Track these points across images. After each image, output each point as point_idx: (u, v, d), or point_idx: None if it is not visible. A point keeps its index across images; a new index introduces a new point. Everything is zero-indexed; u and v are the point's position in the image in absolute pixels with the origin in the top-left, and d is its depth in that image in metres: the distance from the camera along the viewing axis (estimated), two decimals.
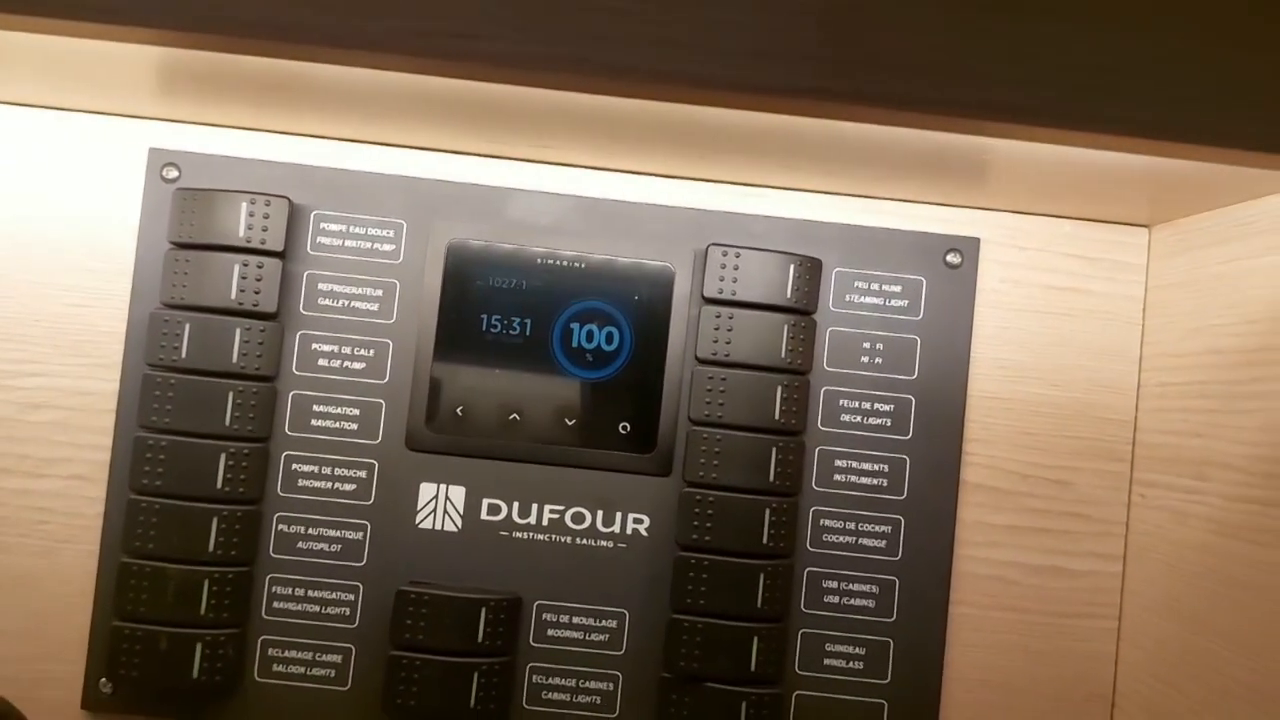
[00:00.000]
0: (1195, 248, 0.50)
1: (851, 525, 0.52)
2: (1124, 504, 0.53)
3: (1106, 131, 0.29)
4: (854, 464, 0.53)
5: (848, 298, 0.53)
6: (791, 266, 0.52)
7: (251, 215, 0.50)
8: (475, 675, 0.49)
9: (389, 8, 0.29)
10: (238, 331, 0.50)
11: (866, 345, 0.53)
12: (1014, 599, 0.53)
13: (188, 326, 0.50)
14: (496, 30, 0.29)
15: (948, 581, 0.53)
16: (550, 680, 0.52)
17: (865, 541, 0.52)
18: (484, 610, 0.50)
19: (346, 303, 0.52)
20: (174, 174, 0.52)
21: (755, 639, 0.50)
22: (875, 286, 0.53)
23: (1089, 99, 0.29)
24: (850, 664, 0.52)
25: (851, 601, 0.52)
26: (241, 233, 0.50)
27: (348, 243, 0.52)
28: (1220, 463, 0.46)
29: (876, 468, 0.53)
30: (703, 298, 0.52)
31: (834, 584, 0.52)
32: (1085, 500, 0.53)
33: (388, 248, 0.52)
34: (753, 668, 0.50)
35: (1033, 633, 0.53)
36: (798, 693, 0.52)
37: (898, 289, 0.53)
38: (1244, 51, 0.30)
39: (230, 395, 0.50)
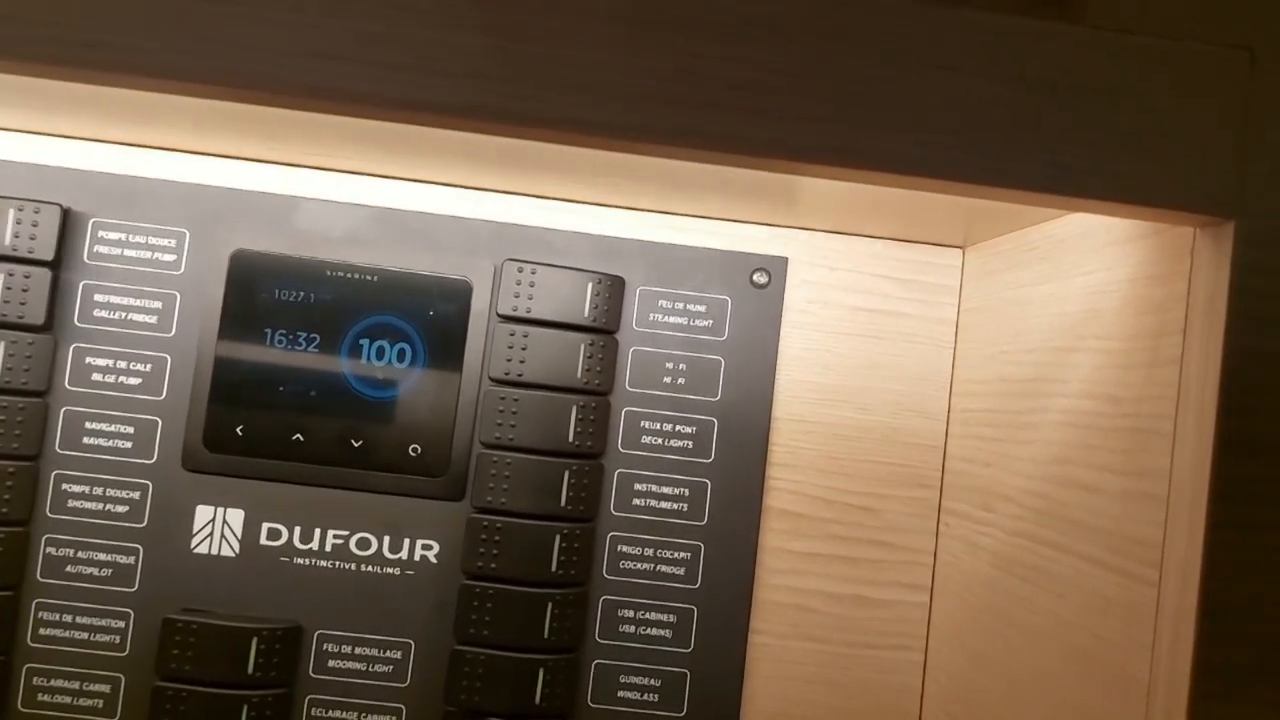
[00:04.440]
0: (994, 271, 0.49)
1: (650, 552, 0.51)
2: (932, 533, 0.52)
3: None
4: (654, 488, 0.51)
5: (651, 317, 0.52)
6: (590, 284, 0.50)
7: (19, 223, 0.48)
8: (245, 708, 0.47)
9: (21, 15, 0.27)
10: (2, 345, 0.48)
11: (669, 365, 0.52)
12: (817, 629, 0.52)
13: None
14: (130, 40, 0.27)
15: (748, 610, 0.51)
16: (330, 713, 0.49)
17: (663, 569, 0.51)
18: (255, 640, 0.48)
19: (124, 315, 0.50)
20: None
21: (541, 670, 0.49)
22: (679, 305, 0.52)
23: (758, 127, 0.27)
24: (645, 696, 0.50)
25: (648, 631, 0.51)
26: (8, 240, 0.48)
27: (127, 252, 0.50)
28: (1003, 494, 0.45)
29: (677, 491, 0.51)
30: (498, 315, 0.50)
31: (630, 613, 0.51)
32: (892, 528, 0.52)
33: (169, 258, 0.50)
34: (538, 700, 0.48)
35: (835, 664, 0.52)
36: None
37: (702, 309, 0.52)
38: (1012, 89, 0.29)
39: None
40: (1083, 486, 0.36)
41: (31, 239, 0.48)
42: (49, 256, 0.48)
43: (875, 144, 0.28)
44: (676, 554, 0.51)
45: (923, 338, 0.53)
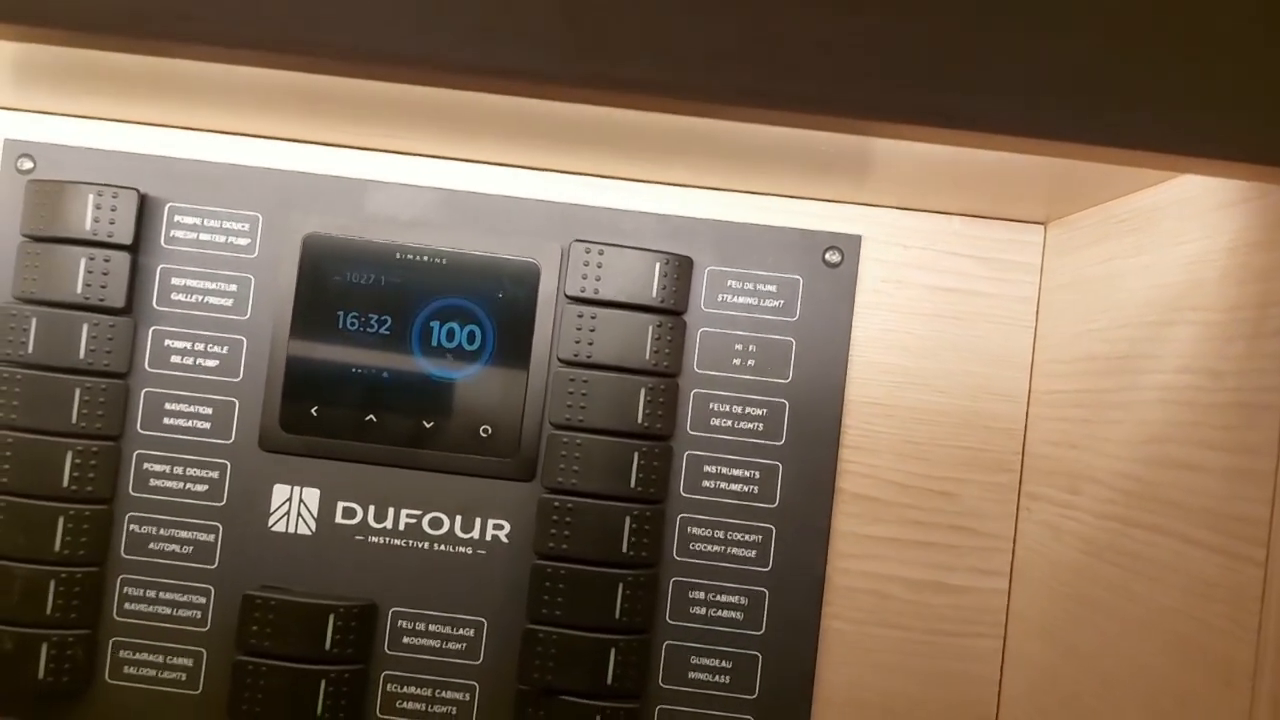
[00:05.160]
0: (1079, 247, 0.47)
1: (720, 534, 0.50)
2: (1012, 518, 0.51)
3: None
4: (724, 470, 0.50)
5: (720, 297, 0.51)
6: (658, 264, 0.50)
7: (98, 208, 0.49)
8: (322, 683, 0.48)
9: None
10: (85, 327, 0.49)
11: (739, 347, 0.51)
12: (892, 614, 0.51)
13: (34, 321, 0.49)
14: (209, 11, 0.27)
15: (820, 595, 0.50)
16: (405, 689, 0.50)
17: (734, 551, 0.50)
18: (333, 616, 0.48)
19: (200, 298, 0.51)
20: (29, 165, 0.51)
21: (613, 651, 0.48)
22: (749, 286, 0.51)
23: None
24: (717, 678, 0.50)
25: (719, 613, 0.50)
26: (88, 225, 0.49)
27: (202, 236, 0.51)
28: (1090, 476, 0.43)
29: (747, 474, 0.50)
30: (565, 296, 0.50)
31: (701, 595, 0.50)
32: (971, 513, 0.51)
33: (242, 241, 0.51)
34: (609, 681, 0.48)
35: (911, 650, 0.51)
36: (660, 706, 0.50)
37: (773, 288, 0.51)
38: (1105, 42, 0.28)
39: (77, 392, 0.49)
40: (1181, 465, 0.34)
41: (110, 223, 0.49)
42: (127, 240, 0.49)
43: (972, 104, 0.27)
44: (747, 536, 0.50)
45: (1002, 317, 0.51)
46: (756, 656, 0.50)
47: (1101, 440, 0.42)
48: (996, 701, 0.50)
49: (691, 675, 0.50)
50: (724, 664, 0.50)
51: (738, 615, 0.50)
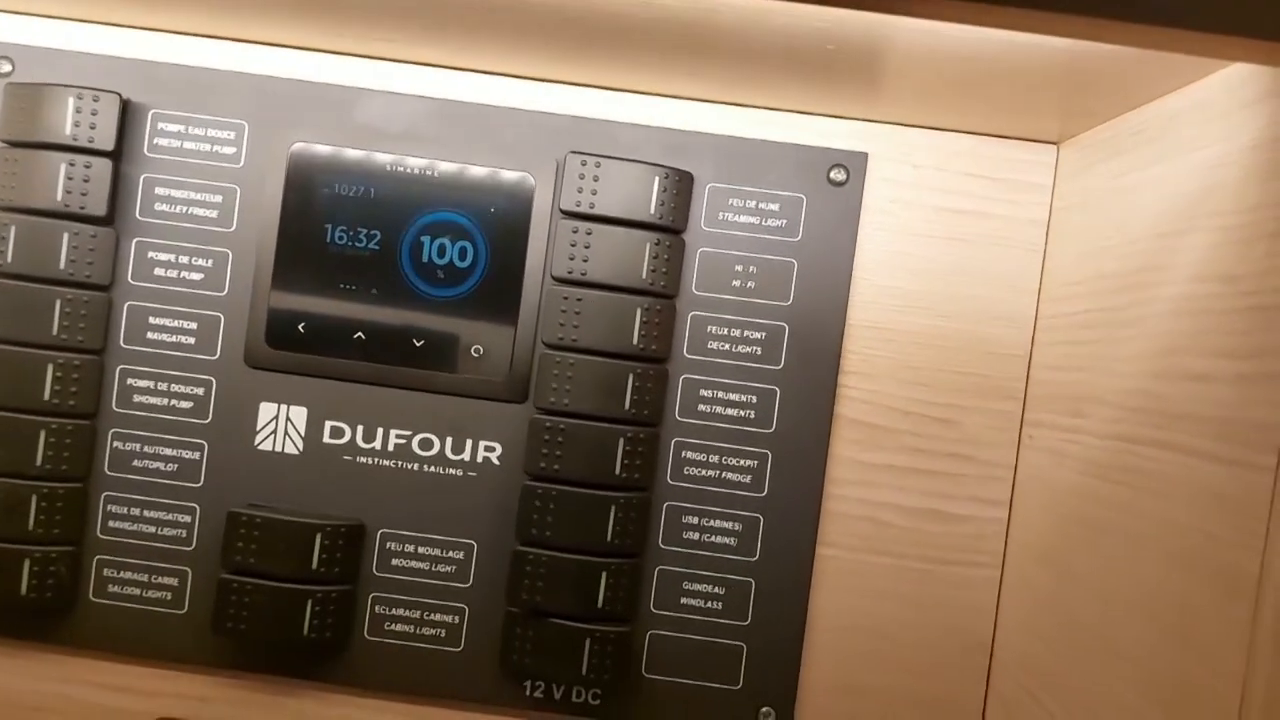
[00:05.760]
0: (1091, 164, 0.46)
1: (715, 458, 0.49)
2: (1013, 445, 0.50)
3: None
4: (720, 394, 0.49)
5: (721, 216, 0.49)
6: (656, 179, 0.48)
7: (79, 112, 0.47)
8: (309, 602, 0.47)
9: None
10: (65, 236, 0.47)
11: (739, 268, 0.49)
12: (888, 543, 0.50)
13: (13, 229, 0.47)
14: None
15: (815, 521, 0.49)
16: (394, 611, 0.49)
17: (729, 476, 0.49)
18: (319, 536, 0.48)
19: (185, 209, 0.49)
20: (7, 68, 0.49)
21: (604, 574, 0.48)
22: (751, 204, 0.49)
23: None
24: (709, 603, 0.49)
25: (712, 539, 0.49)
26: (68, 130, 0.47)
27: (186, 144, 0.49)
28: (1096, 397, 0.42)
29: (744, 398, 0.49)
30: (560, 211, 0.48)
31: (694, 519, 0.49)
32: (971, 440, 0.50)
33: (228, 150, 0.49)
34: (600, 604, 0.48)
35: (907, 579, 0.50)
36: (652, 632, 0.49)
37: (775, 207, 0.49)
38: None
39: (58, 303, 0.48)
40: (1193, 376, 0.33)
41: (91, 128, 0.47)
42: (109, 146, 0.47)
43: None
44: (743, 461, 0.49)
45: (1011, 240, 0.50)
46: (750, 582, 0.49)
47: (1109, 360, 0.41)
48: (993, 628, 0.49)
49: (684, 600, 0.49)
50: (716, 589, 0.49)
51: (731, 541, 0.49)
